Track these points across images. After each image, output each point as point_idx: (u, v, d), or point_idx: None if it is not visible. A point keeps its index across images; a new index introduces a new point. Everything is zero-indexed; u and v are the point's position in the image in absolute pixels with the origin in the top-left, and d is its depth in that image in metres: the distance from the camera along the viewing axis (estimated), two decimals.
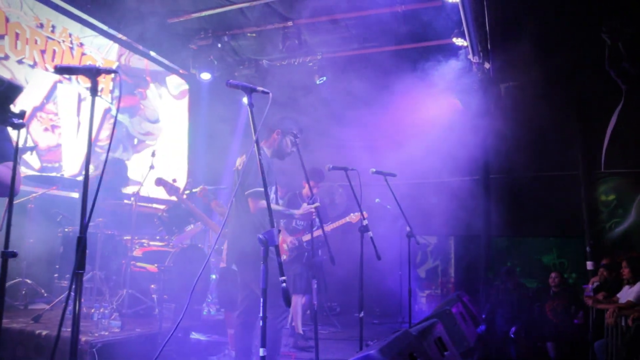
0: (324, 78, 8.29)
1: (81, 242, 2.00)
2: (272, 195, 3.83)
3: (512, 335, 7.54)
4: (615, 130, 8.52)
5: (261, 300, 2.44)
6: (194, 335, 5.58)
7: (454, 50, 7.37)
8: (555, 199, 8.55)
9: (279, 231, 2.58)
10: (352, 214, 5.96)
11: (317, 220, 3.99)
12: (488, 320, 7.45)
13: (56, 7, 6.82)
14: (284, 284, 2.39)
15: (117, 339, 4.42)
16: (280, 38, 7.70)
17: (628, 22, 8.49)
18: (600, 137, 8.57)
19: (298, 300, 6.23)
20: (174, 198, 6.20)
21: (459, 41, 6.97)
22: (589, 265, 8.09)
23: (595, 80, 8.71)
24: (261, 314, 2.43)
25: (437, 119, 7.89)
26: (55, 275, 5.52)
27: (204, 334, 5.70)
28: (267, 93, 2.74)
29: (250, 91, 2.72)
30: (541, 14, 7.47)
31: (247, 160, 3.54)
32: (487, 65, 7.10)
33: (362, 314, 4.17)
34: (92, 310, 4.65)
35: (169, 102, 9.07)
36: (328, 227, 6.05)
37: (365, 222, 4.08)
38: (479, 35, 6.31)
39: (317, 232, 5.28)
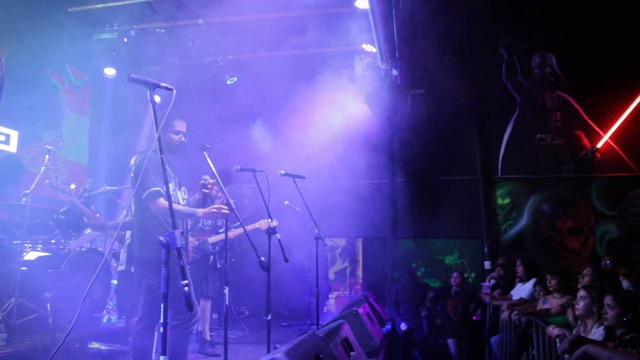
0: (235, 78, 8.17)
1: None
2: (172, 194, 3.67)
3: (402, 329, 7.78)
4: (511, 138, 9.14)
5: (162, 305, 2.33)
6: (93, 345, 5.27)
7: (363, 56, 7.54)
8: (456, 202, 9.00)
9: (182, 233, 2.47)
10: (262, 221, 5.90)
11: (223, 222, 3.89)
12: (393, 320, 7.66)
13: None
14: (186, 288, 2.30)
15: (1, 354, 4.03)
16: (191, 36, 7.50)
17: (522, 38, 9.16)
18: (497, 144, 9.15)
19: (205, 305, 6.06)
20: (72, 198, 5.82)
21: (368, 47, 7.14)
22: (487, 264, 8.58)
23: (493, 92, 9.31)
24: (161, 320, 2.33)
25: (346, 123, 8.04)
26: None
27: (104, 343, 5.39)
28: (171, 89, 2.64)
29: (152, 87, 2.61)
30: (446, 28, 7.86)
31: (142, 158, 3.36)
32: (395, 72, 7.34)
33: (269, 317, 4.13)
34: None
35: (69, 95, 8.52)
36: (236, 232, 5.96)
37: (273, 224, 4.04)
38: (388, 43, 6.50)
39: (222, 236, 5.19)
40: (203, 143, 3.94)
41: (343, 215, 8.43)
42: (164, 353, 2.32)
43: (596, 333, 4.00)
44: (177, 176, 3.93)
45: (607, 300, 3.70)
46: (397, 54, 6.80)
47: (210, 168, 3.83)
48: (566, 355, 3.64)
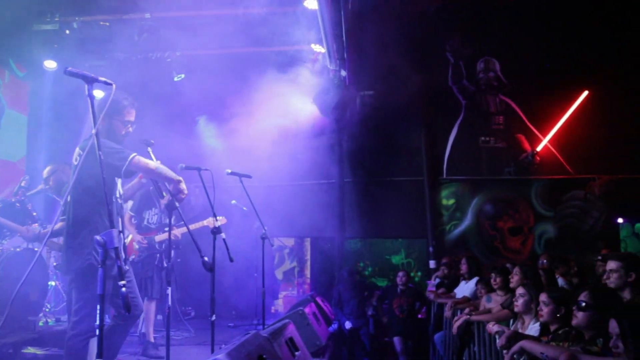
0: (182, 75, 8.01)
1: None
2: (119, 188, 3.56)
3: (347, 327, 7.86)
4: (456, 140, 9.39)
5: (98, 307, 2.26)
6: (29, 350, 5.04)
7: (312, 56, 7.55)
8: (403, 202, 9.16)
9: (120, 232, 2.40)
10: (210, 218, 5.81)
11: (170, 220, 3.80)
12: (339, 319, 7.71)
13: None
14: (124, 289, 2.23)
15: None
16: (137, 30, 7.29)
17: (467, 43, 9.43)
18: (443, 146, 9.38)
19: (150, 306, 5.91)
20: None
21: (317, 48, 7.15)
22: (431, 264, 8.77)
23: (440, 95, 9.54)
24: (97, 322, 2.25)
25: (294, 123, 8.03)
26: None
27: (41, 348, 5.17)
28: (110, 84, 2.55)
29: (91, 81, 2.51)
30: (395, 31, 7.98)
31: (85, 154, 3.21)
32: (343, 73, 7.39)
33: (213, 317, 4.07)
34: None
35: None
36: (182, 230, 5.85)
37: (217, 224, 3.97)
38: (337, 43, 6.53)
39: (173, 232, 5.08)
40: (149, 140, 3.83)
41: (291, 215, 8.41)
42: (99, 356, 2.24)
43: (533, 329, 4.17)
44: None
45: (542, 297, 3.85)
46: (345, 55, 6.85)
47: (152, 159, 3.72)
48: (504, 351, 3.76)
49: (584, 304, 3.25)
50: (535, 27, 9.08)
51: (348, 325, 7.87)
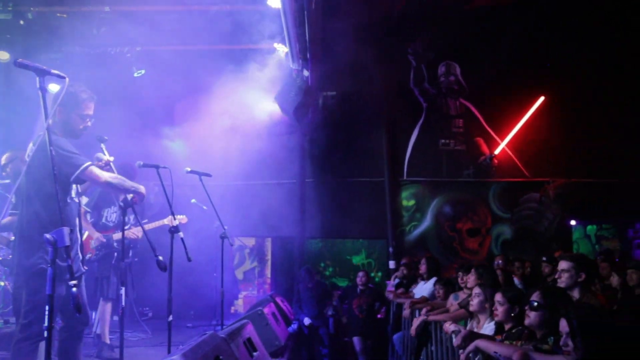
0: (143, 71, 7.84)
1: None
2: (73, 187, 3.44)
3: (306, 324, 7.86)
4: (417, 142, 9.52)
5: (47, 308, 2.18)
6: None
7: (275, 56, 7.52)
8: (364, 203, 9.22)
9: (71, 230, 2.32)
10: (169, 217, 5.71)
11: (128, 218, 3.71)
12: (297, 317, 7.70)
13: None
14: (74, 289, 2.16)
15: None
16: (95, 23, 7.11)
17: (429, 47, 9.58)
18: (404, 147, 9.49)
19: (105, 307, 5.77)
20: None
21: (280, 47, 7.13)
22: (391, 264, 8.86)
23: (402, 97, 9.66)
24: (46, 324, 2.17)
25: (255, 122, 7.98)
26: None
27: None
28: (63, 77, 2.47)
29: (42, 73, 2.42)
30: (358, 33, 8.03)
31: (36, 150, 3.09)
32: (306, 73, 7.38)
33: (170, 318, 4.00)
34: None
35: None
36: (145, 228, 5.73)
37: (176, 223, 3.90)
38: (300, 43, 6.52)
39: (129, 232, 4.97)
40: (103, 136, 3.71)
41: (252, 215, 8.36)
42: (47, 358, 2.16)
43: (488, 328, 4.25)
44: None
45: (497, 297, 3.93)
46: (308, 55, 6.85)
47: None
48: (460, 350, 3.82)
49: (535, 304, 3.33)
50: (494, 33, 9.30)
51: (307, 321, 7.85)
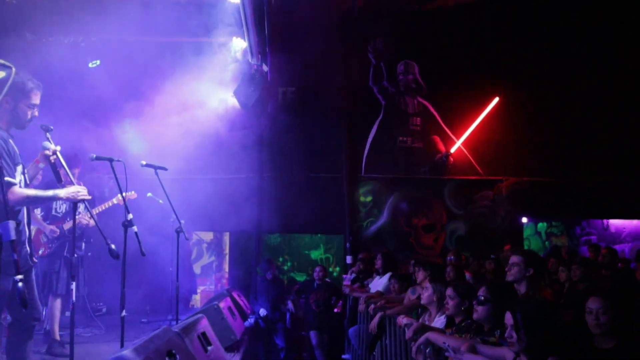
0: (97, 62, 7.65)
1: None
2: (19, 177, 3.34)
3: (262, 315, 7.89)
4: (375, 139, 9.63)
5: None
6: None
7: (234, 50, 7.47)
8: (322, 198, 9.26)
9: (18, 224, 2.26)
10: (118, 195, 5.61)
11: (82, 205, 3.62)
12: (253, 308, 7.70)
13: None
14: (20, 284, 2.12)
15: None
16: (48, 10, 6.88)
17: (389, 45, 9.71)
18: (362, 144, 9.58)
19: (55, 303, 5.62)
20: None
21: (239, 41, 7.08)
22: (348, 259, 8.95)
23: (361, 94, 9.75)
24: None
25: (213, 116, 7.91)
26: None
27: None
28: (9, 67, 2.40)
29: None
30: (318, 29, 8.07)
31: None
32: (265, 68, 7.36)
33: (123, 313, 3.95)
34: None
35: None
36: (95, 211, 5.62)
37: (130, 217, 3.84)
38: (259, 38, 6.50)
39: (80, 218, 4.86)
40: (48, 125, 3.59)
41: (210, 209, 8.28)
42: None
43: (439, 321, 4.37)
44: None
45: (448, 291, 4.05)
46: (267, 50, 6.83)
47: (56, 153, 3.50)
48: (412, 342, 3.92)
49: (482, 298, 3.45)
50: (452, 34, 9.50)
51: (262, 312, 7.88)
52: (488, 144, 9.66)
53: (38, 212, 5.66)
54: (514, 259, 4.07)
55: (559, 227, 13.73)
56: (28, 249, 3.45)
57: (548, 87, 9.63)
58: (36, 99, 3.47)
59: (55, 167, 3.50)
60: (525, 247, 11.45)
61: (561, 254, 8.74)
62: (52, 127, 3.55)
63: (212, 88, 7.67)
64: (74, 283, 3.45)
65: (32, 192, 3.45)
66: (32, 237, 3.64)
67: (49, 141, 3.48)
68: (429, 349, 3.71)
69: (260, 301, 8.07)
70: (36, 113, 3.49)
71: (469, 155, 9.69)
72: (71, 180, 3.66)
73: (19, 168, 3.39)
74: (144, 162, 4.66)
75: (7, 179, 3.11)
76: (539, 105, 9.73)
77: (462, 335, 3.72)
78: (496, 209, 9.64)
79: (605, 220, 12.55)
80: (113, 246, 3.52)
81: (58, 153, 3.51)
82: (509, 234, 9.68)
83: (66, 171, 3.57)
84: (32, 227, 5.68)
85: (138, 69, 7.40)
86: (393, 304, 5.74)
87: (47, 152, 3.48)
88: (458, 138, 9.67)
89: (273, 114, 8.82)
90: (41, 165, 3.55)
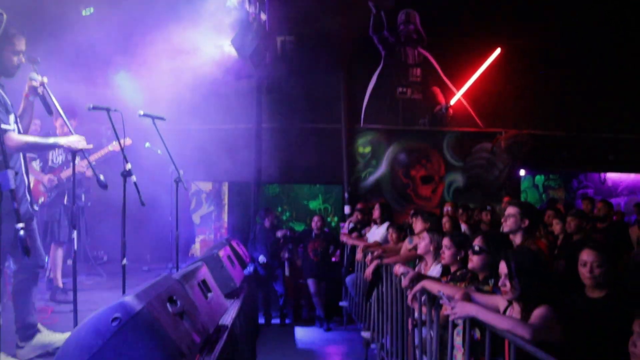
0: (91, 9, 7.44)
1: None
2: (12, 126, 3.31)
3: (262, 262, 8.06)
4: (374, 90, 9.53)
5: None
6: None
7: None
8: (321, 149, 9.24)
9: (16, 173, 2.26)
10: (114, 142, 5.60)
11: (80, 154, 3.60)
12: (254, 261, 7.83)
13: None
14: (22, 232, 2.14)
15: None
16: None
17: None
18: (361, 95, 9.48)
19: (57, 250, 5.71)
20: None
21: None
22: (346, 209, 9.01)
23: (361, 44, 9.56)
24: None
25: (212, 66, 7.78)
26: None
27: None
28: (1, 14, 2.34)
29: None
30: None
31: None
32: (263, 17, 7.19)
33: (124, 261, 4.01)
34: None
35: None
36: (91, 158, 5.62)
37: (128, 167, 3.83)
38: None
39: (77, 167, 4.86)
40: (35, 57, 3.49)
41: (209, 159, 8.28)
42: None
43: (434, 270, 4.46)
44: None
45: (445, 241, 4.11)
46: None
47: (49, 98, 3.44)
48: (408, 290, 4.01)
49: (477, 248, 3.51)
50: None
51: (262, 259, 8.03)
52: (488, 96, 9.57)
53: (36, 164, 5.66)
54: (510, 210, 4.13)
55: (557, 180, 13.81)
56: (28, 197, 3.47)
57: (549, 39, 9.45)
58: (20, 45, 3.37)
59: (44, 99, 3.43)
60: (522, 200, 11.57)
61: (557, 207, 8.82)
62: (39, 59, 3.46)
63: (211, 37, 7.52)
64: (75, 231, 3.47)
65: (31, 138, 3.43)
66: (31, 187, 3.65)
67: (36, 75, 3.40)
68: (424, 297, 3.80)
69: (259, 248, 8.18)
70: (23, 60, 3.40)
71: (468, 107, 9.62)
72: (70, 131, 3.63)
73: (12, 117, 3.35)
74: (141, 112, 4.61)
75: (2, 126, 3.10)
76: (540, 57, 9.60)
77: (457, 284, 3.81)
78: (494, 161, 9.66)
79: (602, 174, 12.63)
80: (102, 176, 3.52)
81: (46, 85, 3.42)
82: (506, 186, 9.73)
83: (63, 119, 3.53)
84: (30, 177, 5.71)
85: (134, 18, 7.21)
86: (390, 253, 5.85)
87: (34, 83, 3.39)
88: (458, 90, 9.58)
89: (272, 64, 8.67)
90: (31, 98, 3.48)
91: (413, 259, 5.18)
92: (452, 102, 9.57)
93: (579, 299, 3.40)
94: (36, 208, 3.59)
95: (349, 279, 7.52)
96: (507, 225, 4.12)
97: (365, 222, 7.98)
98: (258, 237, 8.32)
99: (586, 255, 3.22)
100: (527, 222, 4.03)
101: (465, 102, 9.61)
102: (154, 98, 7.05)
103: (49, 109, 3.42)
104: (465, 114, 9.62)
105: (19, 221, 2.17)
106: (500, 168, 9.70)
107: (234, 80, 8.40)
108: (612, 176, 12.54)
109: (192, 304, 3.18)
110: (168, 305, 2.72)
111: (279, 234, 8.25)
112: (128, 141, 5.60)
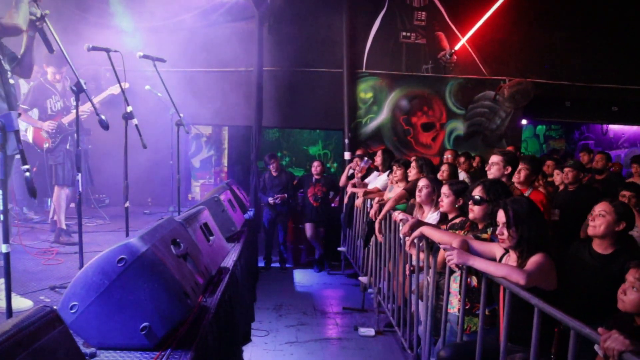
0: None
1: None
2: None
3: (271, 202, 8.21)
4: (377, 34, 9.31)
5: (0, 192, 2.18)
6: None
7: None
8: (321, 93, 9.14)
9: (19, 114, 2.25)
10: (114, 86, 5.57)
11: (73, 101, 3.56)
12: (255, 205, 7.93)
13: None
14: (28, 174, 2.16)
15: None
16: None
17: None
18: (364, 39, 9.28)
19: (61, 192, 5.74)
20: None
21: None
22: (346, 155, 9.00)
23: None
24: (1, 207, 2.19)
25: (211, 7, 7.58)
26: None
27: None
28: None
29: None
30: None
31: None
32: None
33: (127, 204, 4.06)
34: None
35: None
36: (89, 105, 5.58)
37: (129, 109, 3.82)
38: None
39: (81, 109, 4.82)
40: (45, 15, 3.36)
41: (209, 103, 8.20)
42: (6, 241, 2.21)
43: (431, 218, 4.52)
44: None
45: (444, 189, 4.15)
46: None
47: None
48: (406, 237, 4.08)
49: (478, 198, 3.54)
50: None
51: (272, 200, 8.20)
52: (493, 43, 9.38)
53: (34, 113, 5.61)
54: (494, 158, 4.49)
55: (558, 130, 13.78)
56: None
57: None
58: None
59: (44, 34, 3.30)
60: (523, 150, 11.57)
61: (558, 157, 8.84)
62: None
63: None
64: (79, 174, 3.48)
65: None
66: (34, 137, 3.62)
67: (36, 6, 3.26)
68: (422, 243, 3.87)
69: (270, 194, 8.34)
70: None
71: (473, 54, 9.45)
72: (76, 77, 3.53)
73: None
74: (141, 54, 4.54)
75: None
76: (548, 5, 9.38)
77: (456, 231, 3.87)
78: (497, 109, 9.58)
79: (605, 125, 12.58)
80: (103, 117, 3.48)
81: (47, 19, 3.31)
82: (508, 135, 9.70)
83: (59, 45, 3.38)
84: (29, 127, 5.67)
85: None
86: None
87: (32, 17, 3.23)
88: (463, 35, 9.37)
89: (273, 5, 8.43)
90: (30, 33, 3.37)
91: (405, 198, 5.24)
92: (457, 47, 9.39)
93: (585, 251, 3.54)
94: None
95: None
96: (491, 173, 4.43)
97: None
98: (267, 184, 8.42)
99: (602, 207, 3.38)
100: (509, 169, 4.41)
101: (470, 49, 9.43)
102: (153, 41, 6.93)
103: (49, 45, 3.31)
104: (470, 61, 9.45)
105: (24, 163, 2.18)
106: (503, 117, 9.64)
107: (235, 21, 8.20)
108: (614, 128, 12.50)
109: (195, 246, 3.24)
110: (172, 247, 2.78)
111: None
112: (126, 85, 5.53)
